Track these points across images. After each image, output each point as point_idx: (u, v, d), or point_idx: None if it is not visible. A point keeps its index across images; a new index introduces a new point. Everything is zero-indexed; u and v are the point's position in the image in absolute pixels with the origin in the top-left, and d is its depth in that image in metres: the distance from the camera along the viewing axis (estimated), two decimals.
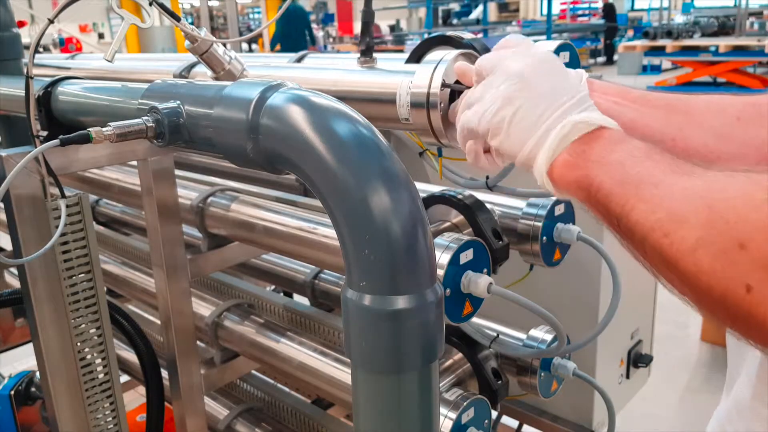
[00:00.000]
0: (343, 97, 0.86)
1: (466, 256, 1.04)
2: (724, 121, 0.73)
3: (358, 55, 1.07)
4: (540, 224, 1.19)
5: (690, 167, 0.55)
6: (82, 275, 1.22)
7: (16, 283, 2.10)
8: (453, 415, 1.10)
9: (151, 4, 1.00)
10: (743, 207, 0.48)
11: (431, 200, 1.21)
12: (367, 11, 1.02)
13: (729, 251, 0.48)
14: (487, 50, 0.95)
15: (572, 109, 0.66)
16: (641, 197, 0.55)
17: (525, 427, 1.68)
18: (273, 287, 1.96)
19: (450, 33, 1.00)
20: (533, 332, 1.29)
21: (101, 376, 1.28)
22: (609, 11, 16.22)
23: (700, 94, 0.77)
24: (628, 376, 1.79)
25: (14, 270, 2.13)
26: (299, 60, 1.34)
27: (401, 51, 8.19)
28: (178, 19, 1.00)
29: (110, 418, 1.31)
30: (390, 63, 1.05)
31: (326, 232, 1.21)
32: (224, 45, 1.09)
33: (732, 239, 0.48)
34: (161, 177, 1.30)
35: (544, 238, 1.19)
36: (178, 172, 1.37)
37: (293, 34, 9.05)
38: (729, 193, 0.50)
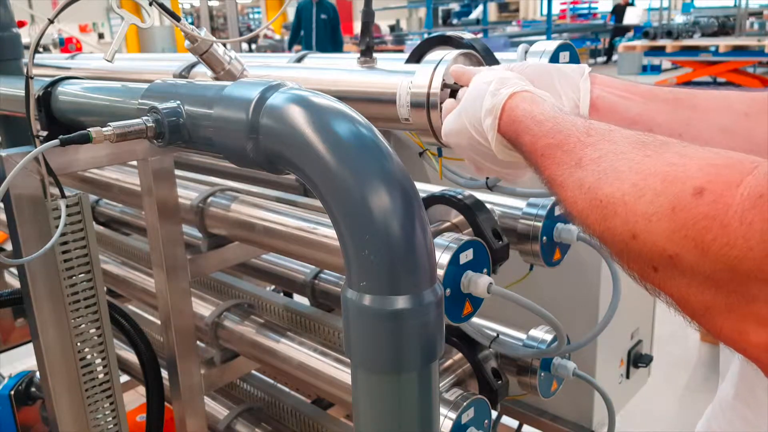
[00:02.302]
0: (343, 97, 0.86)
1: (466, 256, 1.04)
2: (731, 117, 0.73)
3: (358, 55, 1.07)
4: (540, 224, 1.19)
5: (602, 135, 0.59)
6: (82, 275, 1.22)
7: (16, 283, 2.10)
8: (453, 415, 1.10)
9: (151, 4, 1.00)
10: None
11: (431, 200, 1.21)
12: (367, 11, 1.02)
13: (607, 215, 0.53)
14: (487, 50, 0.95)
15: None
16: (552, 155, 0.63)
17: (525, 427, 1.68)
18: (273, 287, 1.96)
19: (450, 33, 1.00)
20: (533, 332, 1.29)
21: (101, 376, 1.28)
22: (619, 12, 16.19)
23: (707, 89, 0.78)
24: (628, 376, 1.79)
25: (14, 270, 2.13)
26: (299, 60, 1.34)
27: (401, 51, 8.17)
28: (178, 19, 1.00)
29: (110, 418, 1.31)
30: (390, 63, 1.05)
31: (326, 232, 1.21)
32: (224, 45, 1.09)
33: (627, 232, 0.51)
34: (161, 177, 1.30)
35: (544, 238, 1.19)
36: (178, 172, 1.37)
37: (319, 34, 7.92)
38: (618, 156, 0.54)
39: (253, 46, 15.91)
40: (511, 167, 0.79)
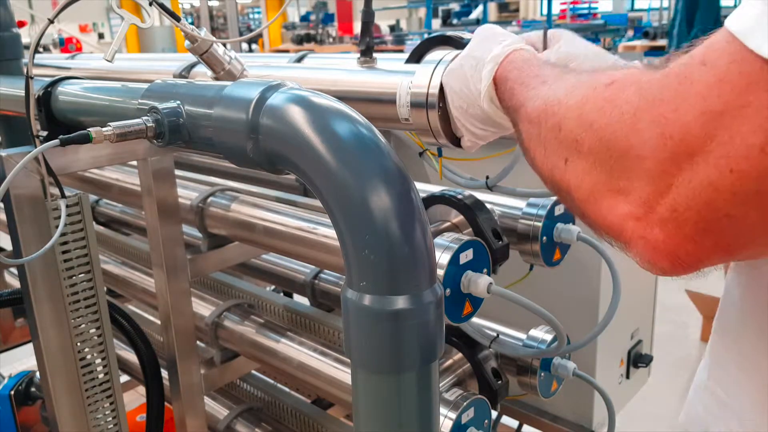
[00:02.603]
0: (343, 97, 0.86)
1: (466, 256, 1.04)
2: None
3: (358, 55, 1.07)
4: (540, 224, 1.19)
5: (558, 73, 0.68)
6: (82, 275, 1.22)
7: (16, 283, 2.10)
8: (453, 415, 1.10)
9: (151, 4, 1.00)
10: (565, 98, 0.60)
11: (431, 200, 1.20)
12: (367, 11, 1.02)
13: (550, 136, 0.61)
14: None
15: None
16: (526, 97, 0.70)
17: (525, 427, 1.68)
18: (273, 287, 1.96)
19: (450, 33, 1.00)
20: (533, 332, 1.29)
21: (101, 376, 1.28)
22: None
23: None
24: (628, 376, 1.79)
25: (14, 270, 2.13)
26: (299, 60, 1.34)
27: (401, 51, 8.17)
28: (178, 19, 1.00)
29: (110, 418, 1.31)
30: (390, 63, 1.05)
31: (326, 232, 1.21)
32: (224, 45, 1.09)
33: (554, 125, 0.60)
34: (161, 177, 1.30)
35: (544, 238, 1.19)
36: (178, 172, 1.37)
37: None
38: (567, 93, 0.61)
39: (254, 46, 15.84)
40: (488, 125, 0.84)
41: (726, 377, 0.68)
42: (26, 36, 2.33)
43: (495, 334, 1.27)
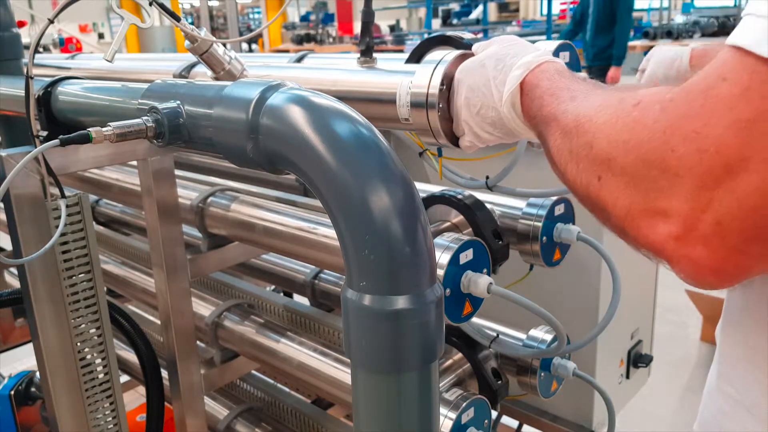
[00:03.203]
0: (343, 97, 0.86)
1: (466, 256, 1.04)
2: None
3: (358, 55, 1.07)
4: (540, 224, 1.19)
5: (586, 90, 0.69)
6: (82, 275, 1.22)
7: (16, 283, 2.10)
8: (453, 415, 1.10)
9: (151, 4, 1.00)
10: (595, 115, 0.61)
11: (431, 200, 1.20)
12: (367, 11, 1.02)
13: (581, 152, 0.62)
14: None
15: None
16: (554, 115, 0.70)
17: (525, 427, 1.68)
18: (273, 287, 1.96)
19: (450, 33, 1.00)
20: (533, 332, 1.29)
21: (101, 376, 1.28)
22: None
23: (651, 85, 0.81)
24: (628, 376, 1.79)
25: (14, 270, 2.13)
26: (299, 60, 1.34)
27: (401, 51, 8.17)
28: (178, 19, 1.00)
29: (110, 418, 1.31)
30: (390, 63, 1.05)
31: (326, 232, 1.21)
32: (224, 45, 1.09)
33: (586, 143, 0.61)
34: (161, 177, 1.30)
35: (544, 238, 1.19)
36: (178, 172, 1.37)
37: None
38: (596, 109, 0.62)
39: (253, 46, 15.81)
40: (497, 129, 0.83)
41: (735, 374, 0.69)
42: (26, 36, 2.33)
43: (495, 334, 1.27)
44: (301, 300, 1.66)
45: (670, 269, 0.55)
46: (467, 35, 1.00)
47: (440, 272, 1.00)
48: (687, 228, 0.51)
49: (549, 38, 10.92)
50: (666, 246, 0.53)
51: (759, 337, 0.64)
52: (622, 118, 0.57)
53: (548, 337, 1.27)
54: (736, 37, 0.49)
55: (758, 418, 0.65)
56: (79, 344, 1.23)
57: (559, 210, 1.21)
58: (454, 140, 0.90)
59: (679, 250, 0.52)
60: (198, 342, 1.51)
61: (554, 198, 1.20)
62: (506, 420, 1.69)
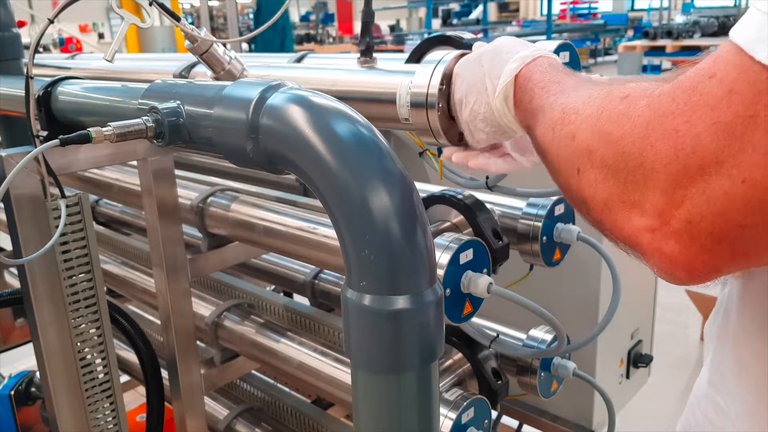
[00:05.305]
0: (343, 97, 0.86)
1: (466, 256, 1.04)
2: None
3: (358, 55, 1.07)
4: (540, 224, 1.19)
5: (575, 83, 0.69)
6: (82, 275, 1.22)
7: (16, 283, 2.10)
8: (453, 415, 1.10)
9: (151, 4, 1.00)
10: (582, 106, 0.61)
11: (431, 200, 1.20)
12: (367, 11, 1.02)
13: (566, 143, 0.62)
14: None
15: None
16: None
17: (525, 427, 1.68)
18: (273, 287, 1.96)
19: (450, 33, 1.00)
20: (533, 332, 1.29)
21: (101, 376, 1.28)
22: None
23: (642, 77, 0.80)
24: (628, 376, 1.79)
25: (14, 270, 2.13)
26: (299, 60, 1.34)
27: (401, 51, 8.17)
28: (178, 19, 1.00)
29: (110, 418, 1.31)
30: (390, 63, 1.05)
31: (326, 232, 1.21)
32: (224, 45, 1.09)
33: (568, 134, 0.61)
34: (161, 177, 1.30)
35: (544, 238, 1.19)
36: (178, 172, 1.37)
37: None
38: (585, 102, 0.62)
39: (254, 46, 15.82)
40: (489, 125, 0.81)
41: (724, 384, 0.68)
42: (26, 36, 2.33)
43: (495, 334, 1.27)
44: (301, 300, 1.66)
45: (645, 263, 0.55)
46: (467, 35, 1.00)
47: (440, 272, 1.00)
48: (661, 222, 0.51)
49: (549, 38, 10.93)
50: (640, 238, 0.53)
51: (749, 352, 0.64)
52: (608, 110, 0.57)
53: (548, 337, 1.27)
54: (735, 32, 0.48)
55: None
56: (79, 344, 1.23)
57: (559, 210, 1.21)
58: (454, 140, 0.90)
59: (652, 243, 0.52)
60: (198, 342, 1.51)
61: (554, 198, 1.20)
62: (506, 420, 1.69)
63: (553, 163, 0.65)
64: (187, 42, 1.06)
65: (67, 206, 1.14)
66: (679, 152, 0.49)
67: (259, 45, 7.34)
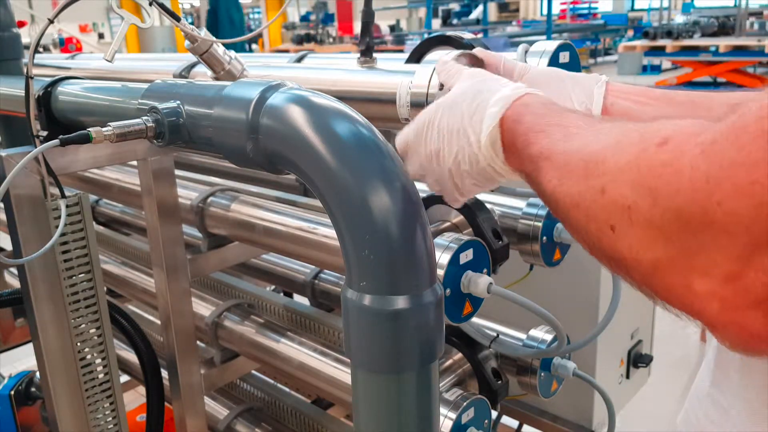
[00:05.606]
0: (343, 97, 0.86)
1: (466, 256, 1.04)
2: None
3: (358, 55, 1.07)
4: (540, 224, 1.19)
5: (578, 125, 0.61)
6: (82, 275, 1.22)
7: (16, 283, 2.10)
8: (453, 415, 1.10)
9: (151, 4, 1.00)
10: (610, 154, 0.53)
11: (431, 200, 1.20)
12: (367, 11, 1.02)
13: (593, 197, 0.54)
14: (487, 50, 0.96)
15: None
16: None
17: (525, 427, 1.68)
18: (273, 287, 1.96)
19: (450, 33, 1.00)
20: (533, 332, 1.29)
21: (101, 376, 1.28)
22: None
23: (722, 91, 0.78)
24: (628, 376, 1.79)
25: (14, 270, 2.13)
26: (299, 60, 1.34)
27: (401, 51, 8.18)
28: (178, 19, 1.00)
29: (110, 418, 1.31)
30: (390, 63, 1.05)
31: (326, 232, 1.21)
32: (224, 45, 1.09)
33: (596, 188, 0.53)
34: (161, 177, 1.30)
35: (544, 238, 1.19)
36: (178, 172, 1.37)
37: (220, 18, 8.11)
38: (603, 145, 0.55)
39: (253, 46, 15.85)
40: (475, 175, 0.73)
41: (727, 383, 0.67)
42: (26, 36, 2.33)
43: (495, 334, 1.27)
44: (301, 300, 1.66)
45: (711, 333, 0.49)
46: (467, 35, 1.00)
47: (440, 272, 1.00)
48: (735, 290, 0.44)
49: (549, 38, 10.93)
50: (707, 307, 0.47)
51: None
52: (645, 160, 0.49)
53: (548, 337, 1.27)
54: None
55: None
56: (79, 344, 1.23)
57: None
58: None
59: (724, 314, 0.46)
60: (198, 342, 1.51)
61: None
62: (506, 420, 1.69)
63: (573, 218, 0.57)
64: (187, 42, 1.06)
65: (67, 206, 1.14)
66: (761, 210, 0.42)
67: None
